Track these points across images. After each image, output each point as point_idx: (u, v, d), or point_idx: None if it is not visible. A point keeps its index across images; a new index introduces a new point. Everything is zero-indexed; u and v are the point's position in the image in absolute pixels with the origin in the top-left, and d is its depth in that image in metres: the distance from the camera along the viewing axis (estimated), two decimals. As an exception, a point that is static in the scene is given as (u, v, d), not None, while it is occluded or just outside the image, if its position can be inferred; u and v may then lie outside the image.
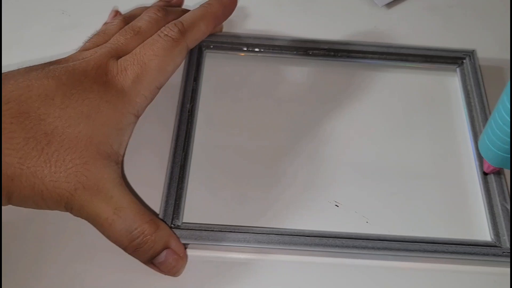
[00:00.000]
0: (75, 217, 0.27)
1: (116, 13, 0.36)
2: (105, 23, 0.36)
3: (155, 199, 0.30)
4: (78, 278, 0.29)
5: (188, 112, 0.33)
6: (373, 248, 0.29)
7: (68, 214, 0.27)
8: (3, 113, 0.25)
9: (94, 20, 0.35)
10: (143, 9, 0.35)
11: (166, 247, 0.28)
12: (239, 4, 0.35)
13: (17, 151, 0.25)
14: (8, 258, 0.29)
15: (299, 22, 0.39)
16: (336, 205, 0.31)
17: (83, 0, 0.40)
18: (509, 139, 0.28)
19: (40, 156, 0.25)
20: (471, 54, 0.37)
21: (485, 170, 0.32)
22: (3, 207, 0.27)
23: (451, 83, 0.37)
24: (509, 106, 0.26)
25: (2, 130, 0.25)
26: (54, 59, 0.30)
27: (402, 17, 0.41)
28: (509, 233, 0.30)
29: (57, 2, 0.40)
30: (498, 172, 0.32)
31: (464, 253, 0.29)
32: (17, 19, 0.39)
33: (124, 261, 0.28)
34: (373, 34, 0.39)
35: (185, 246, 0.29)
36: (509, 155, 0.29)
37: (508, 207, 0.31)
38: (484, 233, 0.31)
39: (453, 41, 0.38)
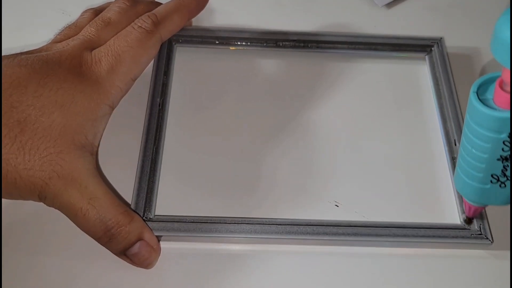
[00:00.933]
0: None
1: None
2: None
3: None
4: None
5: (159, 106, 0.33)
6: (343, 234, 0.29)
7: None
8: None
9: None
10: (114, 2, 0.35)
11: (140, 238, 0.28)
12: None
13: None
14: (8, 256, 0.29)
15: (299, 22, 0.39)
16: (336, 205, 0.32)
17: (83, 0, 0.39)
18: (483, 165, 0.23)
19: (13, 143, 0.25)
20: (439, 41, 0.37)
21: (468, 213, 0.29)
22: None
23: (420, 71, 0.38)
24: (476, 127, 0.22)
25: None
26: None
27: (402, 17, 0.41)
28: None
29: (57, 2, 0.40)
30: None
31: (435, 236, 0.30)
32: (17, 19, 0.39)
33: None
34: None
35: (159, 238, 0.29)
36: (485, 185, 0.24)
37: None
38: (454, 217, 0.31)
39: (453, 41, 0.38)
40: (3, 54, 0.35)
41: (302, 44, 0.37)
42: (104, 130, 0.30)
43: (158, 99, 0.33)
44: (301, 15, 0.40)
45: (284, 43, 0.37)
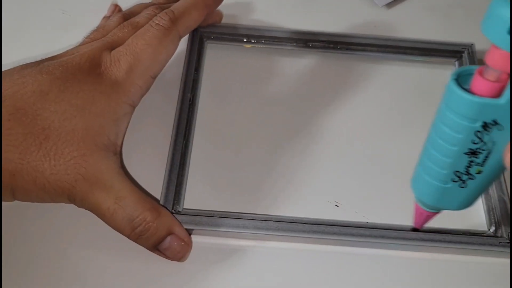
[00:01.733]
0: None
1: (116, 7, 0.37)
2: (104, 17, 0.36)
3: (157, 187, 0.31)
4: (84, 266, 0.29)
5: (189, 101, 0.33)
6: (370, 236, 0.29)
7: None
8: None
9: (94, 20, 0.35)
10: (143, 6, 0.35)
11: (170, 233, 0.28)
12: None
13: (17, 147, 0.25)
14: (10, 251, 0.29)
15: (299, 21, 0.39)
16: (336, 205, 0.32)
17: (83, 0, 0.40)
18: (449, 159, 0.22)
19: (39, 150, 0.26)
20: (469, 47, 0.37)
21: (417, 223, 0.27)
22: (8, 204, 0.27)
23: (449, 76, 0.37)
24: (451, 116, 0.21)
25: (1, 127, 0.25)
26: None
27: (402, 17, 0.41)
28: (505, 223, 0.30)
29: (57, 2, 0.40)
30: None
31: (462, 242, 0.30)
32: (17, 19, 0.39)
33: (127, 248, 0.29)
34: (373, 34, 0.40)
35: (189, 232, 0.29)
36: (446, 184, 0.23)
37: (506, 198, 0.31)
38: (482, 224, 0.31)
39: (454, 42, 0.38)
40: (3, 53, 0.36)
41: (332, 45, 0.37)
42: (126, 128, 0.30)
43: (189, 94, 0.33)
44: (300, 15, 0.40)
45: (314, 43, 0.37)
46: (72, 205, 0.28)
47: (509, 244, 0.29)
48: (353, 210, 0.31)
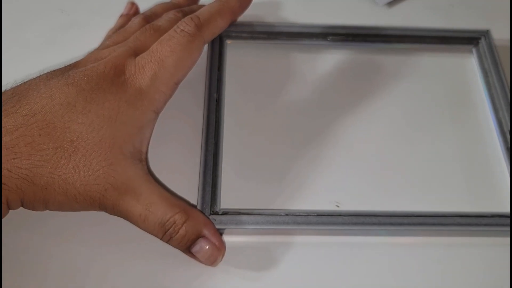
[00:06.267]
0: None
1: (132, 5, 0.36)
2: (122, 15, 0.36)
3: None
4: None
5: (216, 101, 0.33)
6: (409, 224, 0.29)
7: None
8: (31, 125, 0.26)
9: (93, 19, 0.35)
10: (163, 6, 0.35)
11: (200, 235, 0.28)
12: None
13: (47, 162, 0.26)
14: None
15: (298, 21, 0.39)
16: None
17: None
18: None
19: (69, 163, 0.26)
20: (486, 34, 0.38)
21: None
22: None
23: (467, 63, 0.38)
24: None
25: (32, 142, 0.25)
26: (53, 58, 0.30)
27: (403, 16, 0.41)
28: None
29: (56, 1, 0.40)
30: None
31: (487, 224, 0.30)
32: (16, 18, 0.39)
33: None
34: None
35: (221, 232, 0.29)
36: None
37: None
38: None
39: None
40: (3, 53, 0.36)
41: (351, 38, 0.37)
42: (151, 135, 0.30)
43: (215, 94, 0.33)
44: (300, 15, 0.40)
45: (333, 37, 0.37)
46: None
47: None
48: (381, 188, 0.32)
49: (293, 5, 0.41)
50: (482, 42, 0.37)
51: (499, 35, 0.38)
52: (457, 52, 0.38)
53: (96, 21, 0.37)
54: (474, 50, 0.38)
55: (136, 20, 0.33)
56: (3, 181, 0.24)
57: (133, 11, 0.36)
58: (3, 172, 0.24)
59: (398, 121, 0.35)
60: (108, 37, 0.33)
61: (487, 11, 0.41)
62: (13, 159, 0.25)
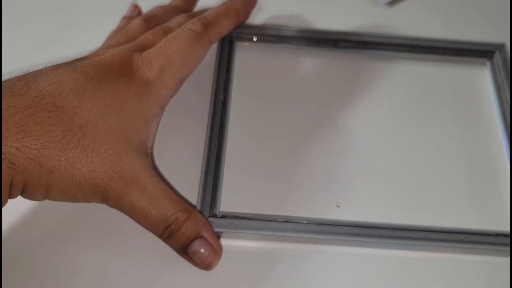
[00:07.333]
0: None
1: (135, 7, 0.37)
2: (124, 18, 0.36)
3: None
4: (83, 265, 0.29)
5: (222, 103, 0.33)
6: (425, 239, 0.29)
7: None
8: (40, 107, 0.25)
9: (93, 19, 0.35)
10: (162, 8, 0.35)
11: (199, 235, 0.28)
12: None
13: (56, 144, 0.25)
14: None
15: (297, 21, 0.39)
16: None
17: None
18: None
19: (77, 147, 0.25)
20: (501, 47, 0.37)
21: None
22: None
23: (480, 76, 0.37)
24: None
25: (41, 123, 0.25)
26: (53, 58, 0.29)
27: (403, 16, 0.40)
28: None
29: (55, 1, 0.40)
30: None
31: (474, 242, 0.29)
32: (16, 17, 0.39)
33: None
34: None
35: (219, 235, 0.29)
36: None
37: None
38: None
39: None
40: (3, 53, 0.36)
41: (362, 46, 0.37)
42: (156, 130, 0.30)
43: (221, 96, 0.33)
44: (299, 15, 0.40)
45: (344, 44, 0.37)
46: (72, 205, 0.28)
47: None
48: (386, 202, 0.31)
49: (292, 3, 0.40)
50: (497, 55, 0.37)
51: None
52: (470, 64, 0.38)
53: (96, 21, 0.37)
54: (488, 63, 0.37)
55: (136, 22, 0.33)
56: (11, 160, 0.24)
57: (136, 13, 0.36)
58: (11, 150, 0.24)
59: (406, 133, 0.34)
60: (110, 38, 0.34)
61: (487, 11, 0.41)
62: (22, 138, 0.24)
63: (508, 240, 0.29)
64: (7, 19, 0.38)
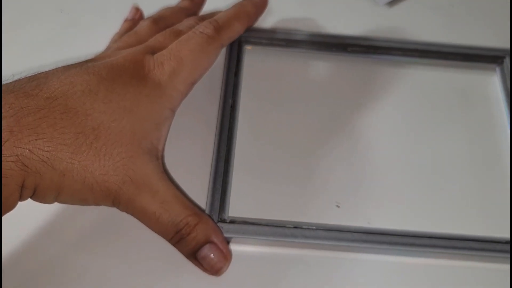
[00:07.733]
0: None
1: (137, 10, 0.37)
2: (126, 20, 0.36)
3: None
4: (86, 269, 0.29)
5: (231, 107, 0.33)
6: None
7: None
8: (53, 108, 0.25)
9: (93, 19, 0.35)
10: (170, 9, 0.35)
11: (209, 240, 0.27)
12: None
13: (69, 146, 0.25)
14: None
15: (298, 21, 0.39)
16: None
17: None
18: None
19: (90, 150, 0.25)
20: (511, 53, 0.37)
21: None
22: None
23: (490, 81, 0.37)
24: None
25: (54, 125, 0.25)
26: (53, 58, 0.29)
27: (403, 16, 0.40)
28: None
29: (55, 1, 0.40)
30: None
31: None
32: (16, 17, 0.39)
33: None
34: (374, 34, 0.39)
35: (228, 240, 0.29)
36: None
37: None
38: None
39: (454, 40, 0.38)
40: (3, 53, 0.36)
41: (372, 50, 0.36)
42: (167, 134, 0.30)
43: (230, 100, 0.33)
44: (299, 15, 0.40)
45: (353, 48, 0.36)
46: (74, 207, 0.27)
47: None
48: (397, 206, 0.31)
49: (292, 4, 0.40)
50: (507, 61, 0.36)
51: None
52: (480, 69, 0.37)
53: (96, 21, 0.37)
54: (498, 69, 0.37)
55: (144, 23, 0.33)
56: (24, 162, 0.24)
57: (138, 16, 0.36)
58: (25, 152, 0.24)
59: (415, 138, 0.34)
60: (115, 41, 0.33)
61: (487, 10, 0.41)
62: (35, 140, 0.24)
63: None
64: (7, 19, 0.38)
